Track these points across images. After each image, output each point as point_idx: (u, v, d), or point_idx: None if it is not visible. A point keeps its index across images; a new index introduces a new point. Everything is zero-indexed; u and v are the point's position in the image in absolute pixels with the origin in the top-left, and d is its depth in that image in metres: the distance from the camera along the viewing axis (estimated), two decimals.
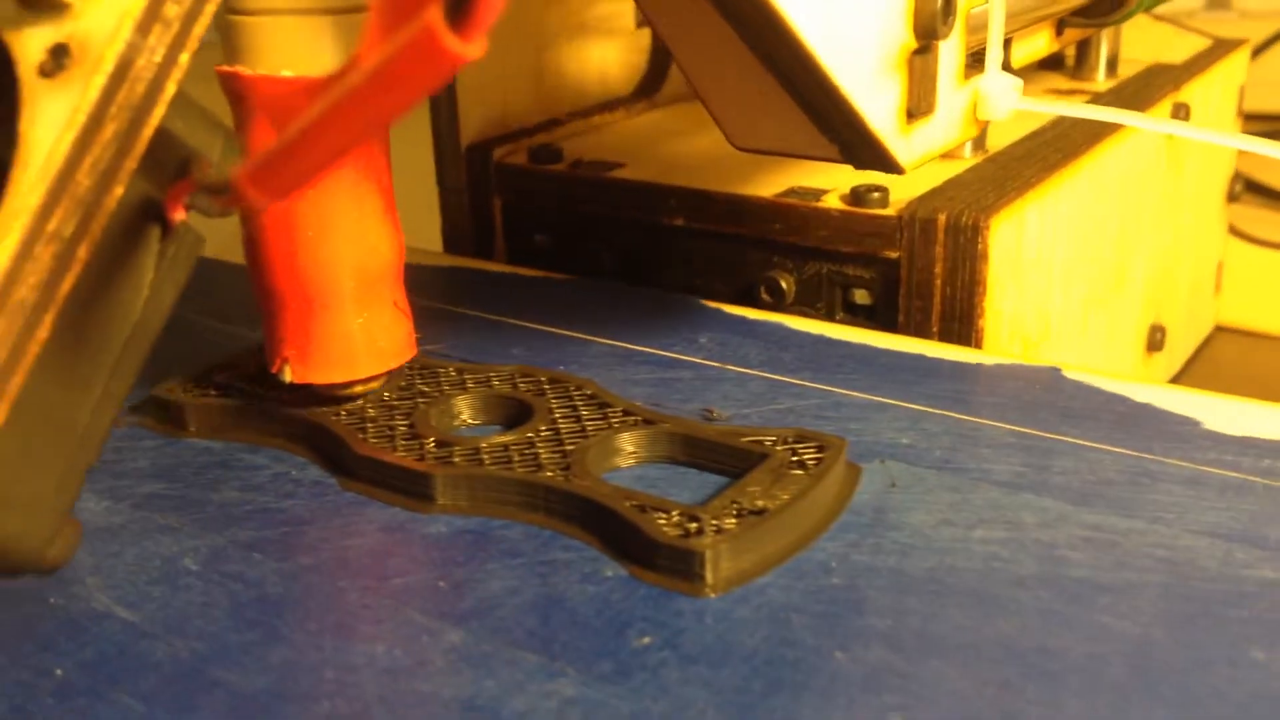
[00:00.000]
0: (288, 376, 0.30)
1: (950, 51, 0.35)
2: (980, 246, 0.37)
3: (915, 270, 0.38)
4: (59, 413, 0.22)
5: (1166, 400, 0.32)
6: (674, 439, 0.29)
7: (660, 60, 0.56)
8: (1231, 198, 0.63)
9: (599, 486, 0.27)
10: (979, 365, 0.34)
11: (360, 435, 0.30)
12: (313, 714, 0.21)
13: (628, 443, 0.29)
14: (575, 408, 0.31)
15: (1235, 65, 0.60)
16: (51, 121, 0.20)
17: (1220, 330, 0.66)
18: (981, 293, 0.37)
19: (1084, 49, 0.55)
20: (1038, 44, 0.44)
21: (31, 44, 0.20)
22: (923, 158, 0.35)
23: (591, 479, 0.27)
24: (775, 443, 0.28)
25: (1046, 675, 0.22)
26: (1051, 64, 0.56)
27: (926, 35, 0.33)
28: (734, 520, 0.25)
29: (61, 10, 0.20)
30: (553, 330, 0.38)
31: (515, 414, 0.31)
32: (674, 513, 0.26)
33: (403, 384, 0.32)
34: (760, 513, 0.26)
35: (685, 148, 0.48)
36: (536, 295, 0.41)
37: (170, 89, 0.21)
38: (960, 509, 0.27)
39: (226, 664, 0.23)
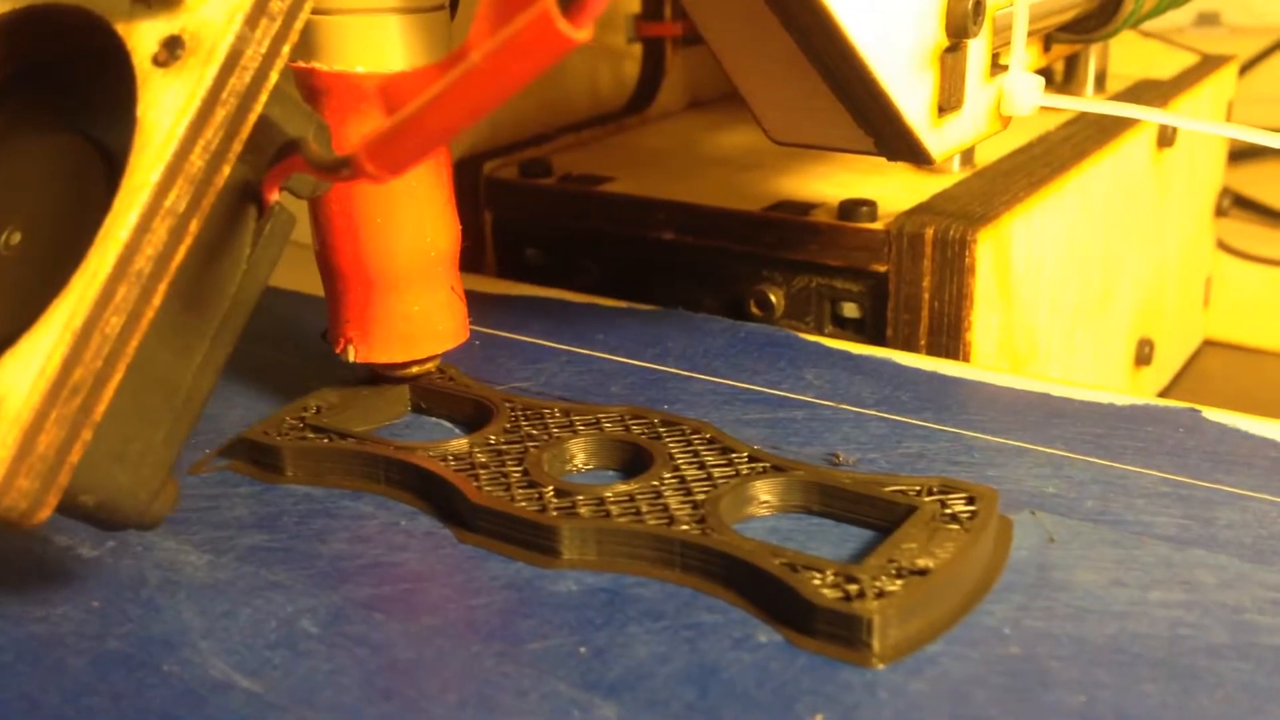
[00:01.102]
0: (351, 356, 0.31)
1: (978, 50, 0.36)
2: (968, 260, 0.37)
3: (903, 284, 0.38)
4: (167, 376, 0.23)
5: None
6: (810, 488, 0.28)
7: (651, 75, 0.56)
8: (1220, 212, 0.63)
9: (740, 542, 0.25)
10: (1111, 405, 0.33)
11: (474, 483, 0.28)
12: None
13: (761, 491, 0.28)
14: (697, 453, 0.29)
15: (1224, 81, 0.60)
16: (167, 106, 0.22)
17: (1209, 344, 0.66)
18: (969, 306, 0.37)
19: (1072, 64, 0.55)
20: (1026, 59, 0.43)
21: (145, 36, 0.22)
22: (952, 150, 0.36)
23: (729, 532, 0.26)
24: (920, 493, 0.27)
25: None
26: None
27: (958, 34, 0.34)
28: (896, 581, 0.23)
29: (175, 5, 0.22)
30: (648, 365, 0.36)
31: (632, 459, 0.30)
32: (828, 572, 0.24)
33: (508, 426, 0.31)
34: (923, 573, 0.24)
35: (675, 162, 0.48)
36: (621, 326, 0.39)
37: (273, 78, 0.23)
38: (1129, 567, 0.25)
39: None
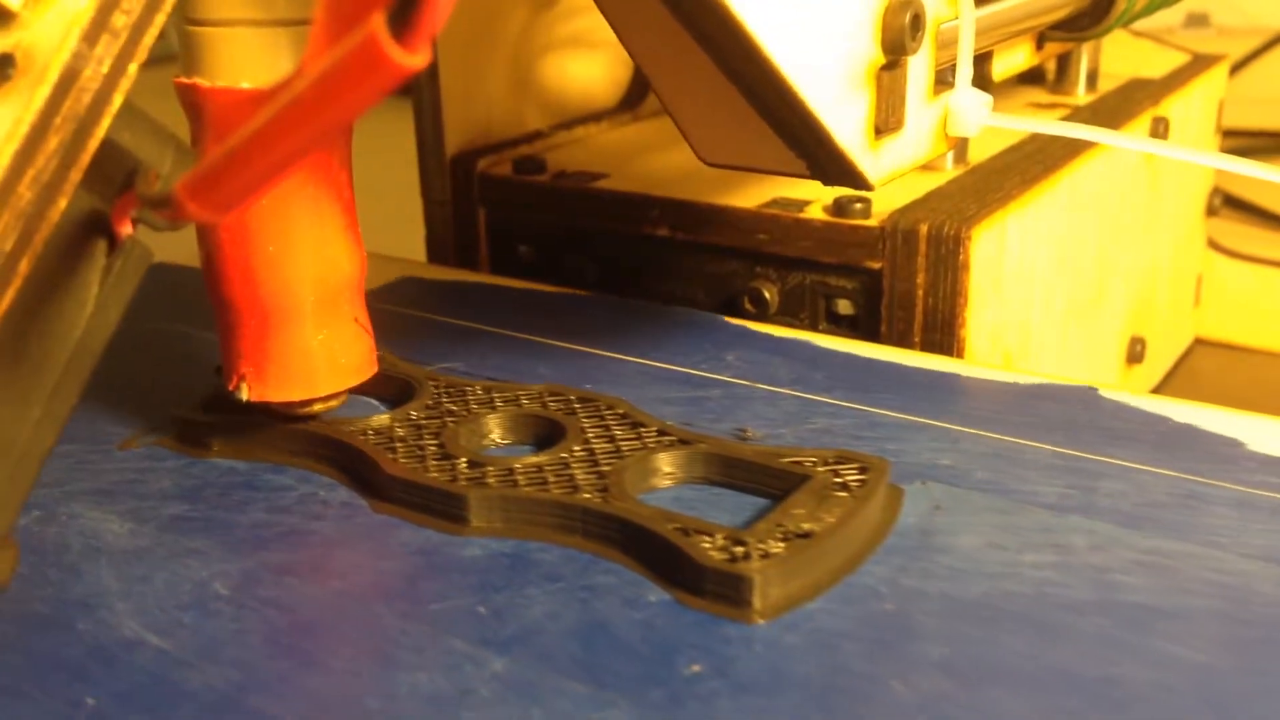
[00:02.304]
0: (245, 394, 0.29)
1: (919, 67, 0.34)
2: (962, 257, 0.37)
3: (897, 280, 0.39)
4: None
5: (1208, 421, 0.31)
6: (711, 459, 0.29)
7: (644, 73, 0.56)
8: (1210, 212, 0.64)
9: (638, 508, 0.26)
10: (1014, 384, 0.34)
11: (390, 455, 0.29)
12: None
13: (665, 463, 0.29)
14: (608, 427, 0.30)
15: (1214, 80, 0.60)
16: None
17: (1199, 343, 0.67)
18: (963, 303, 0.38)
19: (1064, 63, 0.56)
20: (1018, 58, 0.44)
21: None
22: (891, 174, 0.34)
23: (630, 500, 0.27)
24: (816, 464, 0.28)
25: (1111, 704, 0.21)
26: (1032, 78, 0.57)
27: (894, 51, 0.32)
28: (780, 544, 0.25)
29: (7, 20, 0.20)
30: (577, 348, 0.37)
31: (547, 434, 0.31)
32: (718, 536, 0.25)
33: (430, 403, 0.32)
34: (807, 536, 0.25)
35: (669, 159, 0.48)
36: (558, 311, 0.41)
37: (117, 100, 0.21)
38: (1008, 532, 0.26)
39: (264, 693, 0.22)
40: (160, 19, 0.21)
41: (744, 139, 0.33)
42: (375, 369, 0.31)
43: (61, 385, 0.22)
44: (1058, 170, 0.43)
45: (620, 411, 0.31)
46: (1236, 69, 0.76)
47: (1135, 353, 0.54)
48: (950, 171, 0.43)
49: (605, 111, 0.55)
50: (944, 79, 0.35)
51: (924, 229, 0.38)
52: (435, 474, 0.28)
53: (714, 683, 0.22)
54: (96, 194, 0.21)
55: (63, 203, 0.20)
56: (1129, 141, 0.41)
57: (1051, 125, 0.38)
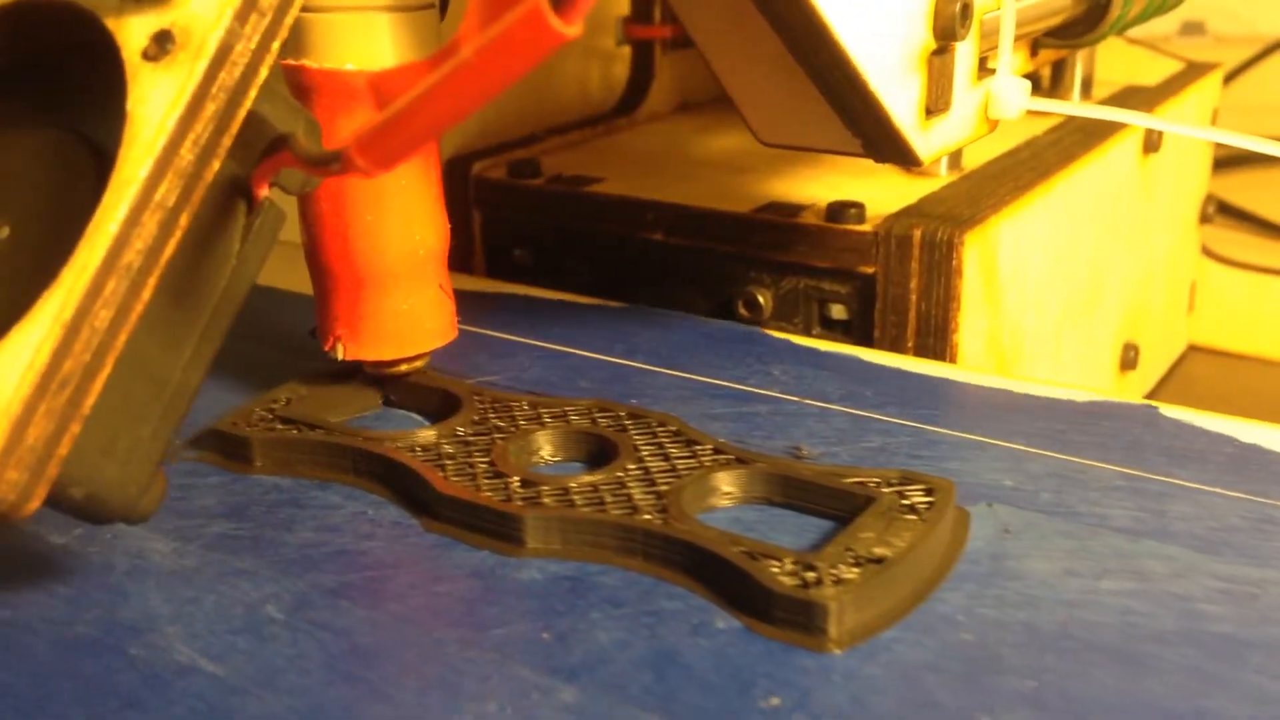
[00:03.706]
0: (340, 354, 0.32)
1: (966, 53, 0.36)
2: (955, 263, 0.37)
3: (891, 285, 0.39)
4: (156, 370, 0.23)
5: (1275, 441, 0.30)
6: (771, 479, 0.28)
7: (640, 78, 0.56)
8: (1204, 219, 0.64)
9: (702, 530, 0.26)
10: (1070, 401, 0.33)
11: (440, 473, 0.28)
12: None
13: (724, 483, 0.28)
14: (661, 445, 0.29)
15: (1208, 89, 0.60)
16: (157, 100, 0.22)
17: (1193, 349, 0.67)
18: (956, 308, 0.38)
19: (1059, 70, 0.56)
20: (1013, 64, 0.44)
21: (134, 31, 0.22)
22: (939, 152, 0.36)
23: (691, 521, 0.26)
24: (879, 484, 0.27)
25: None
26: None
27: (945, 37, 0.35)
28: (853, 569, 0.24)
29: (164, 0, 0.22)
30: (616, 361, 0.37)
31: (598, 451, 0.30)
32: (786, 560, 0.24)
33: (476, 418, 0.31)
34: (879, 561, 0.24)
35: (664, 163, 0.48)
36: (590, 323, 0.40)
37: (263, 73, 0.23)
38: (1082, 557, 0.26)
39: None
40: (299, 1, 0.24)
41: (802, 120, 0.35)
42: (456, 333, 0.33)
43: (208, 330, 0.24)
44: (1051, 176, 0.43)
45: (672, 428, 0.30)
46: (1232, 77, 0.77)
47: (1129, 359, 0.54)
48: (944, 177, 0.43)
49: (600, 115, 0.54)
50: (986, 65, 0.38)
51: (918, 234, 0.38)
52: (489, 493, 0.27)
53: (794, 716, 0.21)
54: (236, 159, 0.23)
55: (216, 164, 0.23)
56: (1163, 124, 0.42)
57: (1091, 109, 0.39)
